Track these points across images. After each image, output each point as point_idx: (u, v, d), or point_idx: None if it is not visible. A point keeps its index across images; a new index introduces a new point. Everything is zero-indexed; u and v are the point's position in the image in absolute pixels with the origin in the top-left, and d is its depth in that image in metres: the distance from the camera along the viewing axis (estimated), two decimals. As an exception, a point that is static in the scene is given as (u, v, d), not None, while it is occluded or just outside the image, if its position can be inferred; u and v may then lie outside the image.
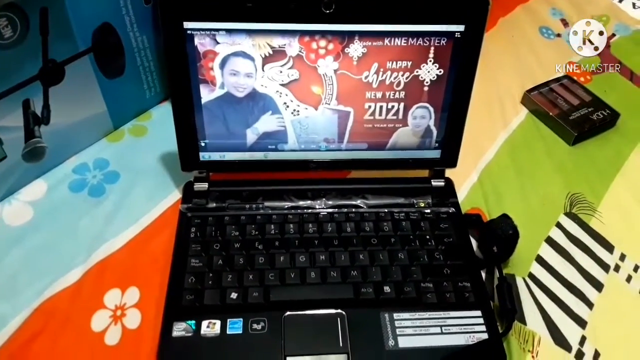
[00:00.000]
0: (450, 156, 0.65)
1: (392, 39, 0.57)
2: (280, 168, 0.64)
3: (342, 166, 0.66)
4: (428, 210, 0.65)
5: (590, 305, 0.60)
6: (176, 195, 0.67)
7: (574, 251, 0.65)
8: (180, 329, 0.53)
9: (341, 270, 0.58)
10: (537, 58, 0.93)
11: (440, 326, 0.54)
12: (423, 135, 0.63)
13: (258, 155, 0.63)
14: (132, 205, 0.66)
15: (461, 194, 0.70)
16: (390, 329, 0.54)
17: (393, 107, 0.61)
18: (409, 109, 0.61)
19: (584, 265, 0.64)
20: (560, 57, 0.93)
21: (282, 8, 0.54)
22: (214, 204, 0.64)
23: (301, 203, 0.64)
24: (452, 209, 0.65)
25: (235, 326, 0.53)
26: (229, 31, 0.55)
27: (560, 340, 0.57)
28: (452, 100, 0.61)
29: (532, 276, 0.62)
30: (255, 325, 0.53)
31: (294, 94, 0.59)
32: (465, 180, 0.72)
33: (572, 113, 0.80)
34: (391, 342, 0.53)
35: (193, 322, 0.53)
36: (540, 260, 0.64)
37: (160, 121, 0.76)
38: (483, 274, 0.61)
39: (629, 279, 0.63)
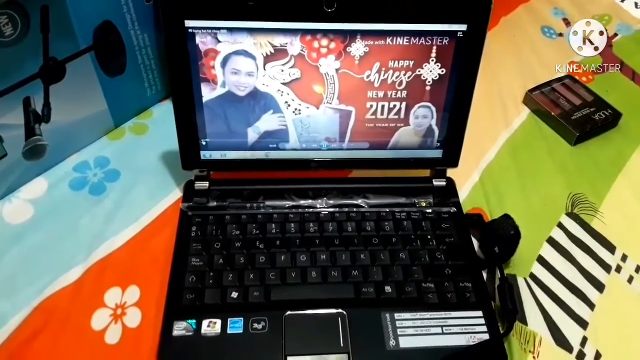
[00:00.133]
0: (451, 156, 0.65)
1: (394, 38, 0.57)
2: (281, 167, 0.64)
3: (343, 165, 0.66)
4: (429, 210, 0.64)
5: (591, 305, 0.60)
6: (177, 193, 0.67)
7: (576, 251, 0.65)
8: (180, 328, 0.53)
9: (342, 270, 0.58)
10: (538, 57, 0.92)
11: (441, 326, 0.54)
12: (425, 135, 0.63)
13: (259, 154, 0.63)
14: (133, 203, 0.66)
15: (462, 193, 0.69)
16: (391, 329, 0.54)
17: (395, 106, 0.61)
18: (411, 109, 0.61)
19: (585, 266, 0.64)
20: (562, 56, 0.92)
21: (283, 6, 0.54)
22: (215, 203, 0.63)
23: (302, 202, 0.64)
24: (453, 209, 0.65)
25: (235, 325, 0.53)
26: (231, 30, 0.55)
27: (561, 340, 0.57)
28: (454, 100, 0.61)
29: (533, 276, 0.62)
30: (255, 325, 0.53)
31: (296, 93, 0.59)
32: (467, 180, 0.72)
33: (574, 113, 0.80)
34: (392, 342, 0.53)
35: (193, 321, 0.53)
36: (542, 261, 0.64)
37: (161, 119, 0.76)
38: (484, 274, 0.61)
39: (630, 279, 0.63)
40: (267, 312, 0.54)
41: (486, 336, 0.54)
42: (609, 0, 1.05)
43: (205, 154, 0.62)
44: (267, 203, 0.64)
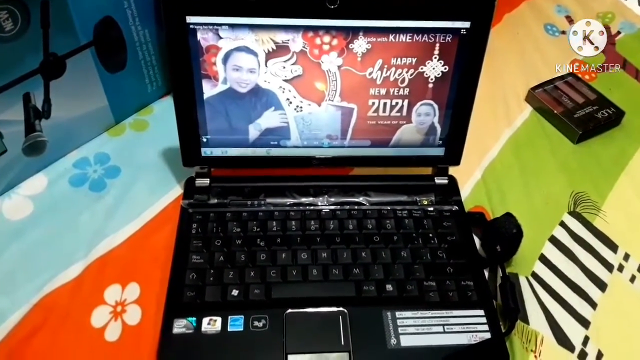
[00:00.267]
0: (454, 154, 0.64)
1: (397, 35, 0.56)
2: (282, 164, 0.64)
3: (345, 163, 0.65)
4: (431, 208, 0.64)
5: (593, 305, 0.60)
6: (177, 190, 0.67)
7: (578, 251, 0.65)
8: (180, 326, 0.52)
9: (343, 268, 0.58)
10: (542, 55, 0.92)
11: (443, 325, 0.54)
12: (427, 133, 0.63)
13: (260, 151, 0.63)
14: (133, 200, 0.65)
15: (464, 192, 0.69)
16: (392, 327, 0.53)
17: (397, 103, 0.61)
18: (413, 106, 0.61)
19: (587, 265, 0.63)
20: (565, 54, 0.92)
21: (285, 3, 0.54)
22: (216, 200, 0.63)
23: (303, 200, 0.64)
24: (455, 207, 0.64)
25: (236, 323, 0.53)
26: (232, 26, 0.55)
27: (563, 340, 0.57)
28: (457, 98, 0.60)
29: (535, 275, 0.62)
30: (256, 323, 0.53)
31: (297, 90, 0.59)
32: (469, 178, 0.71)
33: (576, 111, 0.80)
34: (393, 341, 0.53)
35: (194, 319, 0.53)
36: (544, 260, 0.64)
37: (161, 116, 0.76)
38: (486, 273, 0.61)
39: (632, 279, 0.63)
40: (267, 310, 0.54)
41: (488, 335, 0.54)
42: (613, -2, 1.05)
43: (206, 151, 0.62)
44: (268, 200, 0.64)
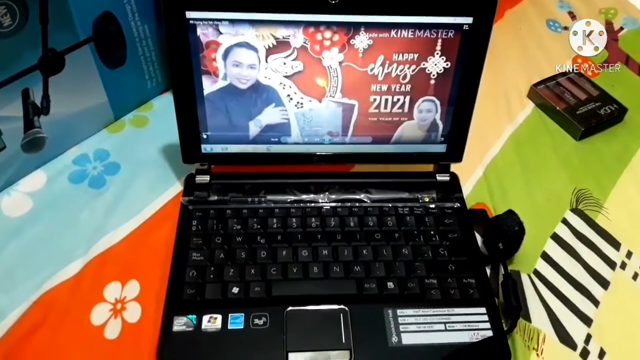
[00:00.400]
0: (455, 150, 0.64)
1: (399, 31, 0.56)
2: (283, 161, 0.64)
3: (346, 160, 0.65)
4: (433, 205, 0.64)
5: (596, 302, 0.60)
6: (177, 187, 0.66)
7: (580, 248, 0.64)
8: (180, 324, 0.52)
9: (344, 266, 0.57)
10: (544, 51, 0.91)
11: (445, 323, 0.54)
12: (429, 129, 0.62)
13: (261, 148, 0.62)
14: (133, 197, 0.65)
15: (466, 189, 0.69)
16: (393, 325, 0.53)
17: (399, 100, 0.60)
18: (415, 102, 0.60)
19: (589, 262, 0.63)
20: (567, 50, 0.91)
21: (286, -2, 0.54)
22: (216, 197, 0.63)
23: (304, 197, 0.64)
24: (457, 204, 0.64)
25: (236, 321, 0.53)
26: (232, 21, 0.54)
27: (565, 338, 0.57)
28: (459, 94, 0.60)
29: (537, 273, 0.62)
30: (257, 321, 0.53)
31: (298, 86, 0.58)
32: (471, 175, 0.71)
33: (579, 107, 0.79)
34: (394, 339, 0.52)
35: (194, 316, 0.53)
36: (546, 257, 0.63)
37: (161, 112, 0.75)
38: (488, 270, 0.60)
39: (635, 276, 0.63)
40: (268, 307, 0.54)
41: (489, 333, 0.53)
42: (615, -6, 1.04)
43: (206, 148, 0.62)
44: (269, 197, 0.63)
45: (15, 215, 0.62)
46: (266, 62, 0.57)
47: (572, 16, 0.99)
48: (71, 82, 0.64)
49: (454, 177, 0.67)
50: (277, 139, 0.62)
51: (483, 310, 0.55)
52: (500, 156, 0.74)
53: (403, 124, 0.62)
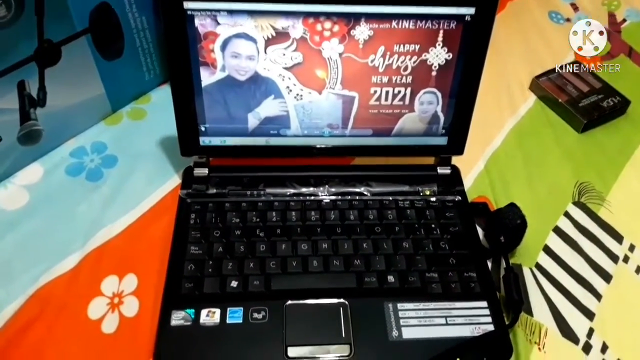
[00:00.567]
0: (457, 143, 0.63)
1: (400, 22, 0.55)
2: (282, 154, 0.63)
3: (346, 152, 0.65)
4: (433, 199, 0.63)
5: (598, 296, 0.59)
6: (176, 180, 0.66)
7: (582, 241, 0.64)
8: (178, 318, 0.52)
9: (344, 259, 0.57)
10: (546, 43, 0.91)
11: (445, 317, 0.53)
12: (430, 122, 0.62)
13: (260, 141, 0.62)
14: (131, 190, 0.64)
15: (467, 182, 0.68)
16: (394, 319, 0.53)
17: (399, 92, 0.59)
18: (416, 94, 0.60)
19: (592, 256, 0.63)
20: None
21: (285, -12, 0.53)
22: (214, 190, 0.62)
23: (304, 190, 0.63)
24: (458, 197, 0.64)
25: (235, 315, 0.52)
26: (231, 12, 0.53)
27: (567, 332, 0.56)
28: (461, 86, 0.59)
29: (539, 267, 0.61)
30: (255, 315, 0.52)
31: (298, 77, 0.58)
32: (472, 168, 0.71)
33: (581, 100, 0.78)
34: (395, 333, 0.52)
35: (192, 310, 0.52)
36: (548, 251, 0.63)
37: (159, 104, 0.75)
38: (489, 264, 0.60)
39: (638, 270, 0.62)
40: (267, 301, 0.53)
41: (491, 327, 0.53)
42: (618, -15, 1.03)
43: (204, 140, 0.61)
44: (268, 191, 0.63)
45: (11, 208, 0.62)
46: (265, 53, 0.56)
47: (575, 8, 0.98)
48: (68, 74, 0.63)
49: (455, 170, 0.66)
50: (276, 132, 0.61)
51: (484, 304, 0.54)
52: (501, 149, 0.74)
53: (404, 116, 0.61)
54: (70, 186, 0.64)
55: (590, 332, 0.56)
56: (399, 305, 0.54)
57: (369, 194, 0.63)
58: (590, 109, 0.77)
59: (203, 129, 0.60)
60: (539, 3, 0.98)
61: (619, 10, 0.98)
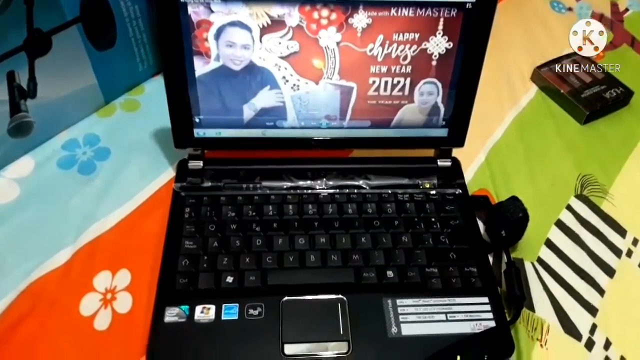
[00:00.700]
0: (457, 135, 0.62)
1: (399, 9, 0.54)
2: (279, 146, 0.62)
3: (344, 145, 0.64)
4: (433, 192, 0.62)
5: (601, 291, 0.58)
6: (170, 173, 0.65)
7: (585, 235, 0.63)
8: (172, 314, 0.51)
9: (342, 254, 0.56)
10: (547, 33, 0.89)
11: (446, 313, 0.52)
12: (430, 113, 0.60)
13: (256, 132, 0.60)
14: (124, 183, 0.63)
15: (468, 174, 0.67)
16: (393, 315, 0.52)
17: (399, 82, 0.58)
18: (416, 85, 0.58)
19: (595, 250, 0.62)
20: (572, 32, 0.89)
21: (281, -26, 0.51)
22: (209, 183, 0.61)
23: (301, 183, 0.62)
24: (458, 191, 0.63)
25: (230, 311, 0.51)
26: (225, -1, 0.52)
27: (570, 328, 0.55)
28: (461, 76, 0.58)
29: (541, 261, 0.60)
30: (251, 311, 0.51)
31: (294, 67, 0.56)
32: (473, 160, 0.70)
33: (583, 91, 0.77)
34: (394, 329, 0.51)
35: (186, 307, 0.51)
36: (550, 245, 0.62)
37: (153, 95, 0.73)
38: (490, 259, 0.59)
39: (641, 264, 0.61)
40: (263, 297, 0.52)
41: (492, 323, 0.52)
42: (621, -25, 1.02)
43: (199, 132, 0.60)
44: (264, 184, 0.62)
45: (2, 202, 0.61)
46: (260, 42, 0.54)
47: (577, -3, 0.97)
48: (59, 65, 0.62)
49: (456, 163, 0.65)
50: (272, 123, 0.60)
51: (485, 299, 0.54)
52: (503, 141, 0.73)
53: (403, 107, 0.60)
54: (62, 179, 0.63)
55: (593, 328, 0.55)
56: (398, 301, 0.53)
57: (367, 187, 0.62)
58: (592, 100, 0.76)
59: (197, 120, 0.59)
60: (540, -8, 0.97)
61: (621, 0, 0.96)
